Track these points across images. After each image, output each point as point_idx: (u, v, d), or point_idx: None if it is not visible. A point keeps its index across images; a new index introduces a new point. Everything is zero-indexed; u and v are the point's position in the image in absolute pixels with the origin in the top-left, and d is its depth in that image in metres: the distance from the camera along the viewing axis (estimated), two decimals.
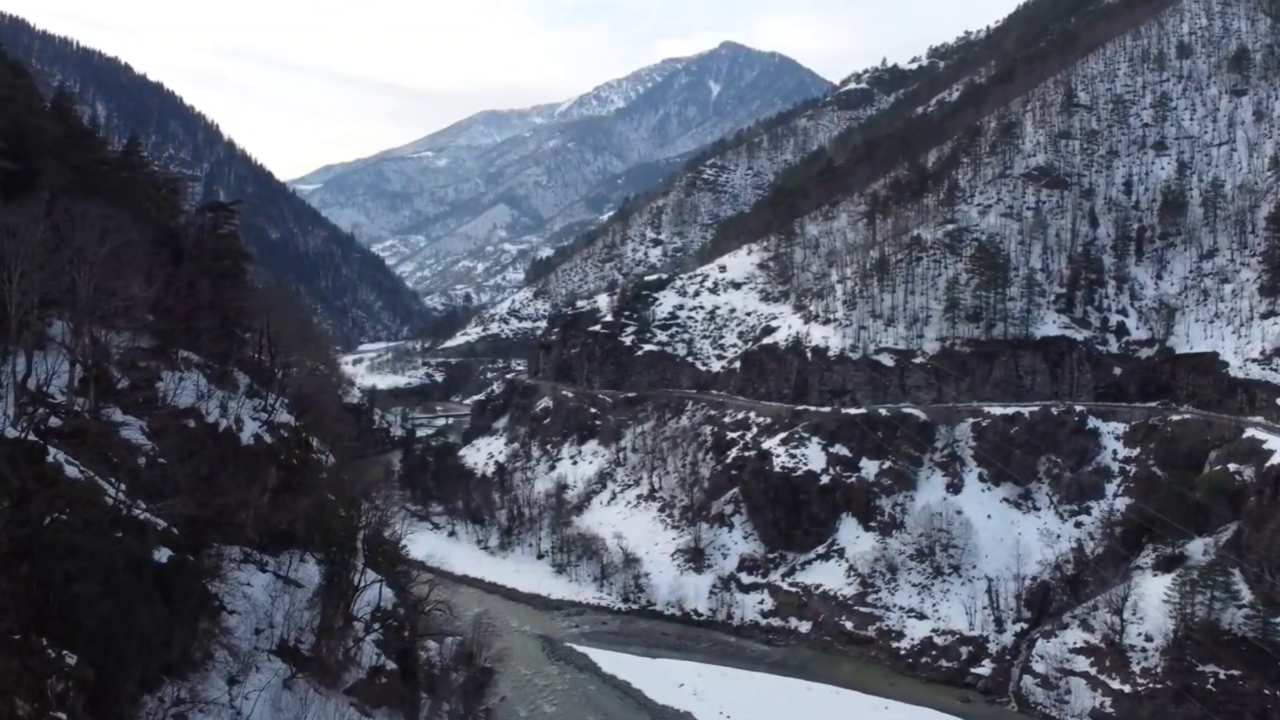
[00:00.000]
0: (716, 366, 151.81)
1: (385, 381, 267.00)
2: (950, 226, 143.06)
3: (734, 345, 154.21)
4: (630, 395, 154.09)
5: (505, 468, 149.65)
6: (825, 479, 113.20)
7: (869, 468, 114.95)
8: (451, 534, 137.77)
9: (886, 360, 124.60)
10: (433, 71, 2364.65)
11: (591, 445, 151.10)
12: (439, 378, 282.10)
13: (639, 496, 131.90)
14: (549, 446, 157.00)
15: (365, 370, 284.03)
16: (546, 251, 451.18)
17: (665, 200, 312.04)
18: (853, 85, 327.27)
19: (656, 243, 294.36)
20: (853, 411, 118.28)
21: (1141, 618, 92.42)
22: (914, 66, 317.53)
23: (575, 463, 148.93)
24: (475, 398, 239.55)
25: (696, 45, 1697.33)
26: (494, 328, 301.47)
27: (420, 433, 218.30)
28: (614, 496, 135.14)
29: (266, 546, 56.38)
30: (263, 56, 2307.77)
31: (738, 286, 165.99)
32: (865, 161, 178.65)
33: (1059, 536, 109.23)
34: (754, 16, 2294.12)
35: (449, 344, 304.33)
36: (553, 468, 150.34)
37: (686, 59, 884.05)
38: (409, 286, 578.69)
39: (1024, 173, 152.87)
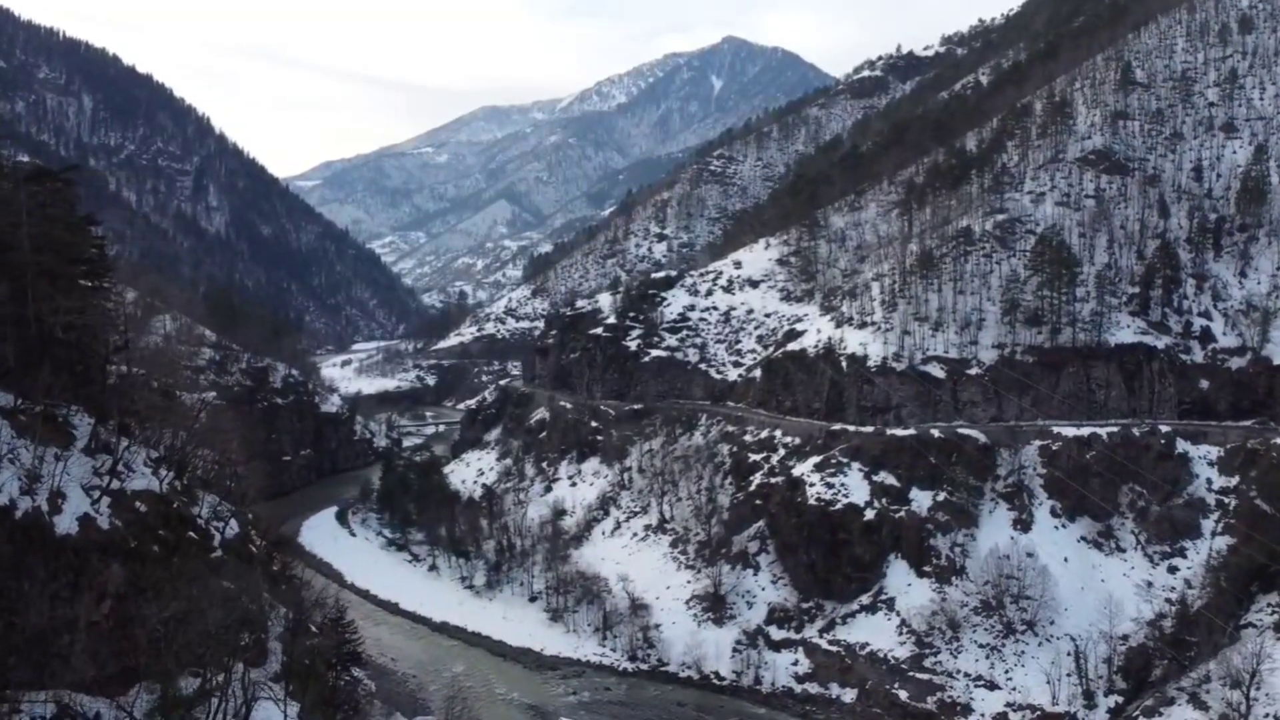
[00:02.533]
0: (733, 375, 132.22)
1: (373, 385, 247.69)
2: (1001, 216, 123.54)
3: (753, 351, 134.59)
4: (636, 407, 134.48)
5: (494, 491, 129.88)
6: (869, 514, 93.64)
7: (921, 500, 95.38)
8: (432, 568, 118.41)
9: (936, 371, 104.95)
10: (433, 67, 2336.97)
11: (592, 464, 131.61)
12: (430, 381, 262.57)
13: (647, 527, 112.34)
14: (545, 464, 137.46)
15: (353, 373, 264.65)
16: (546, 248, 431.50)
17: (670, 193, 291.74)
18: (866, 73, 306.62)
19: (661, 238, 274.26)
20: (900, 432, 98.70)
21: (1269, 694, 72.90)
22: (930, 53, 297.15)
23: (574, 484, 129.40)
24: (468, 403, 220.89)
25: (699, 40, 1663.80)
26: (490, 327, 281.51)
27: (407, 442, 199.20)
28: (618, 526, 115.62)
29: (105, 683, 37.13)
30: (262, 52, 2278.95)
31: (755, 285, 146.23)
32: (894, 147, 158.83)
33: (1151, 584, 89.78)
34: (756, 11, 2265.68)
35: (442, 345, 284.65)
36: (549, 489, 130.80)
37: (688, 54, 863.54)
38: (408, 283, 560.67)
39: (1079, 156, 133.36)
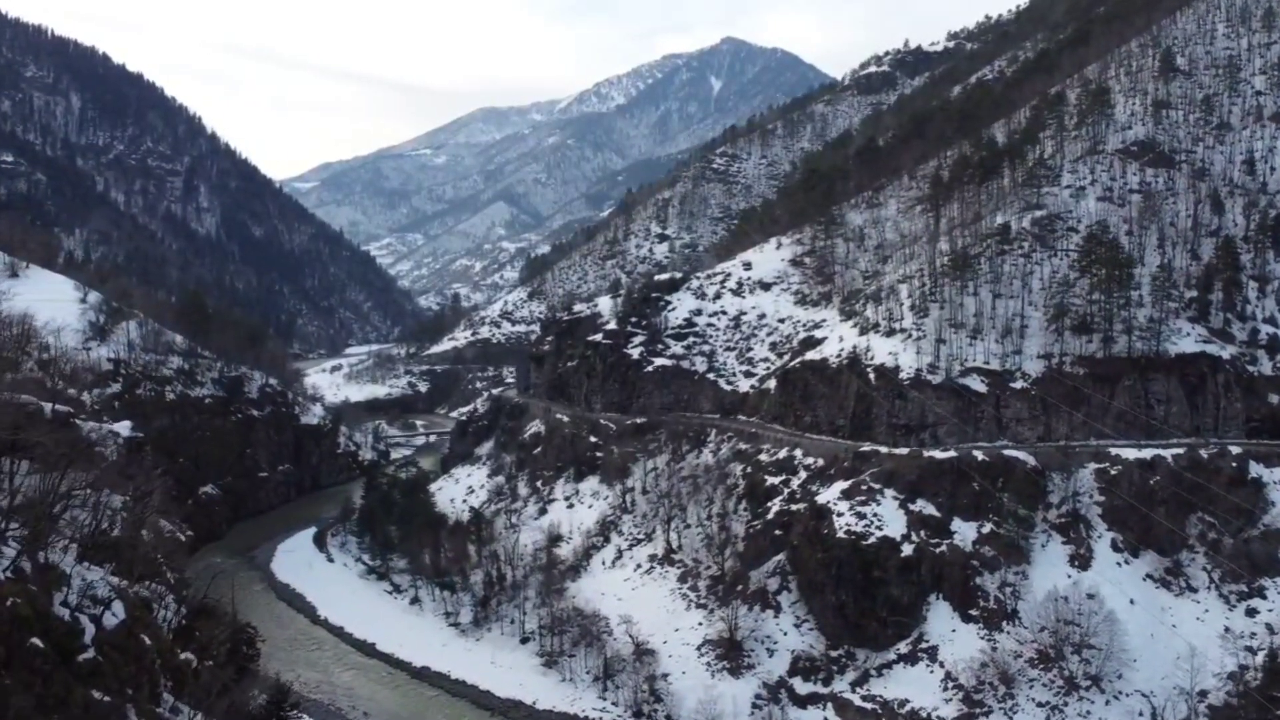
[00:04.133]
0: (745, 386, 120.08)
1: (362, 392, 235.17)
2: (1039, 213, 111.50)
3: (765, 360, 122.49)
4: (638, 420, 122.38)
5: (483, 515, 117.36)
6: (907, 549, 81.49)
7: (964, 532, 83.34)
8: (414, 601, 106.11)
9: (976, 384, 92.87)
10: (432, 68, 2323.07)
11: (591, 483, 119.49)
12: (422, 388, 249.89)
13: (652, 558, 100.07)
14: (539, 483, 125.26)
15: (343, 379, 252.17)
16: (545, 249, 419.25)
17: (671, 192, 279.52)
18: (873, 68, 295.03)
19: (663, 238, 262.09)
20: (939, 454, 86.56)
21: None
22: (938, 48, 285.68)
23: (571, 505, 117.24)
24: (461, 410, 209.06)
25: (698, 41, 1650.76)
26: (485, 331, 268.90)
27: (396, 454, 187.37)
28: (619, 555, 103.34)
29: None
30: (261, 53, 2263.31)
31: (767, 287, 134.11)
32: (914, 139, 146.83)
33: (1229, 630, 77.76)
34: (756, 12, 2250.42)
35: (435, 349, 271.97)
36: (543, 511, 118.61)
37: (687, 55, 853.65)
38: (405, 286, 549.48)
39: (1120, 148, 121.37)
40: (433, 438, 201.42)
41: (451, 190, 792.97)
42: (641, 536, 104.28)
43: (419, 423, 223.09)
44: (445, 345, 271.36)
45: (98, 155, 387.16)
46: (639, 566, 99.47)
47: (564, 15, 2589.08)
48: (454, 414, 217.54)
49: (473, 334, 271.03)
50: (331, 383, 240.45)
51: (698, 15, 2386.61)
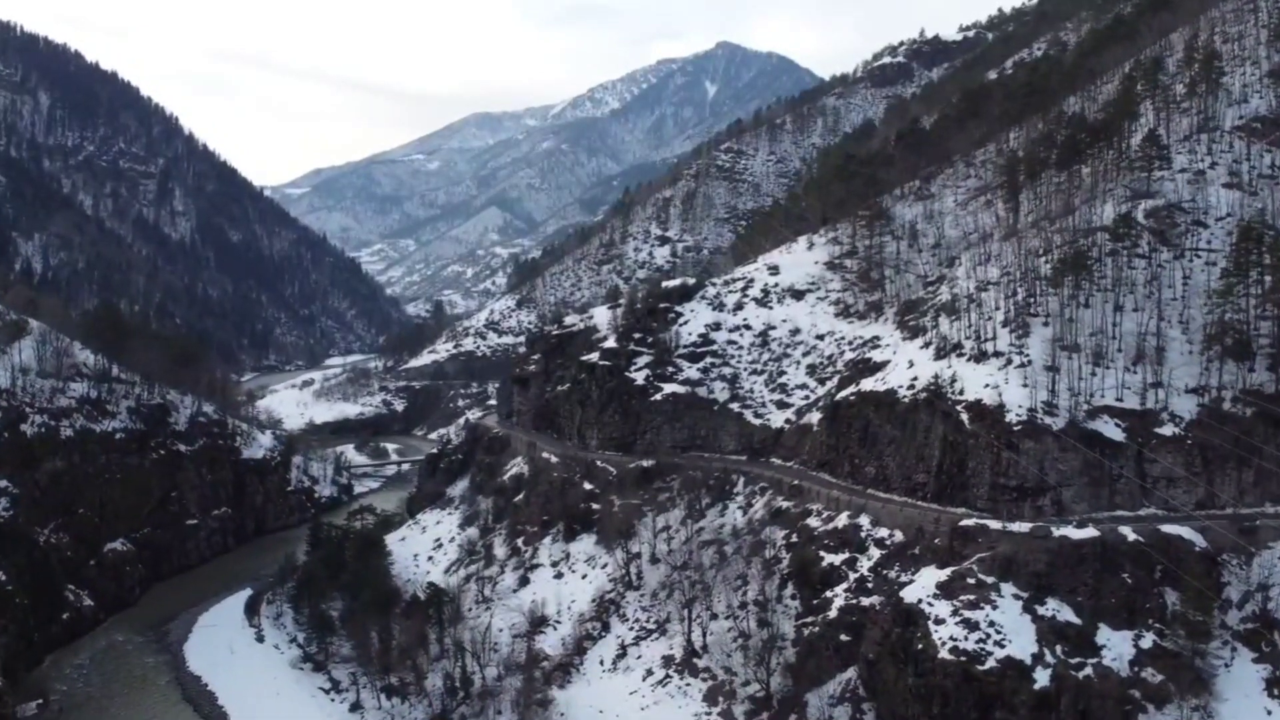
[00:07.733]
0: (778, 420, 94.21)
1: (332, 411, 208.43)
2: (1153, 202, 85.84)
3: (803, 386, 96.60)
4: (645, 463, 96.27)
5: (445, 593, 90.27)
6: (1041, 676, 55.47)
7: (1117, 647, 57.34)
8: (355, 708, 79.68)
9: (1110, 430, 67.01)
10: (424, 73, 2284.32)
11: (585, 544, 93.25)
12: (399, 406, 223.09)
13: (668, 661, 73.70)
14: (520, 541, 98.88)
15: (311, 397, 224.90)
16: (537, 254, 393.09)
17: (673, 191, 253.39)
18: (887, 59, 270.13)
19: (664, 240, 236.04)
20: (1074, 534, 60.61)
21: None
22: (959, 37, 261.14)
23: (560, 575, 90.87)
24: (441, 431, 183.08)
25: (692, 45, 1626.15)
26: (468, 343, 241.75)
27: (362, 487, 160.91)
28: (623, 652, 76.96)
29: None
30: (254, 59, 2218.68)
31: (799, 296, 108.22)
32: (970, 119, 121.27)
33: None
34: (750, 16, 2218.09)
35: (414, 363, 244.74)
36: (524, 581, 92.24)
37: (682, 59, 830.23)
38: (396, 292, 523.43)
39: (1239, 125, 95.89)
40: (405, 467, 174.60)
41: (444, 196, 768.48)
42: (652, 626, 77.94)
43: (391, 448, 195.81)
44: (425, 359, 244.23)
45: (65, 156, 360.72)
46: (650, 673, 73.04)
47: (557, 21, 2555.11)
48: (433, 436, 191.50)
49: (455, 346, 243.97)
50: (298, 401, 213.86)
51: (691, 20, 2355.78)
